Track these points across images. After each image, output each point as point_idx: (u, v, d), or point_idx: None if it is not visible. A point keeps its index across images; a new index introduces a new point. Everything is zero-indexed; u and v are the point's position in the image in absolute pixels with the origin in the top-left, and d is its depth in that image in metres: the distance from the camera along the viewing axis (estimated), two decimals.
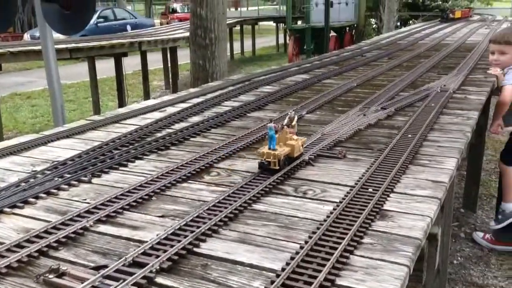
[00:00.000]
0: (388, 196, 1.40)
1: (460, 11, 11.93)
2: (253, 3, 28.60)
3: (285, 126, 1.58)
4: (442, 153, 1.80)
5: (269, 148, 1.53)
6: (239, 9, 29.19)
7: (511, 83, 3.08)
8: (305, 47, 13.58)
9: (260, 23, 23.45)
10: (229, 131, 2.23)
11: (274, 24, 20.79)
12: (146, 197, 1.41)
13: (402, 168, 1.63)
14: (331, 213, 1.28)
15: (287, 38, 17.96)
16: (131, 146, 1.91)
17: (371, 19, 17.33)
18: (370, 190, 1.43)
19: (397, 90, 2.96)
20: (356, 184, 1.48)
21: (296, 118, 1.65)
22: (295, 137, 1.62)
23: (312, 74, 3.83)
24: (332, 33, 15.17)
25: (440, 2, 16.82)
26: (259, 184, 1.47)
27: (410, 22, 16.24)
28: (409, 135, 2.01)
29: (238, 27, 17.98)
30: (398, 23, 16.45)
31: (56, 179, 1.54)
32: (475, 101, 2.65)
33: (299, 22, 18.16)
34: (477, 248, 3.30)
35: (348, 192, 1.43)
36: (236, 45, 17.78)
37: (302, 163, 1.68)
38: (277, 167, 1.53)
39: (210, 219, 1.25)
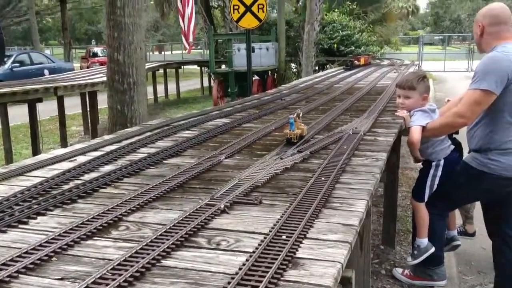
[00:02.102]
0: (301, 242, 1.40)
1: (363, 57, 12.55)
2: (177, 47, 28.92)
3: (296, 118, 2.77)
4: (353, 195, 1.86)
5: (290, 130, 2.74)
6: (163, 53, 29.36)
7: (416, 124, 3.29)
8: (229, 90, 13.86)
9: (185, 66, 23.62)
10: (143, 180, 2.15)
11: (199, 68, 21.10)
12: (46, 257, 1.31)
13: (315, 212, 1.65)
14: (244, 264, 1.25)
15: (212, 81, 18.26)
16: (34, 201, 1.79)
17: (291, 64, 18.21)
18: (284, 237, 1.42)
19: (313, 133, 3.06)
20: (271, 231, 1.47)
21: (301, 113, 2.89)
22: (302, 125, 2.84)
23: (233, 118, 3.90)
24: (256, 77, 15.68)
25: (353, 48, 18.15)
26: (170, 237, 1.42)
27: (327, 66, 17.29)
28: (323, 178, 2.07)
29: (162, 70, 17.99)
30: (316, 68, 17.40)
31: None
32: (384, 142, 2.81)
33: (223, 66, 18.56)
34: (398, 284, 3.40)
35: (262, 241, 1.41)
36: (161, 88, 17.72)
37: (217, 211, 1.67)
38: (296, 141, 2.75)
39: (113, 279, 1.17)
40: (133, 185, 2.07)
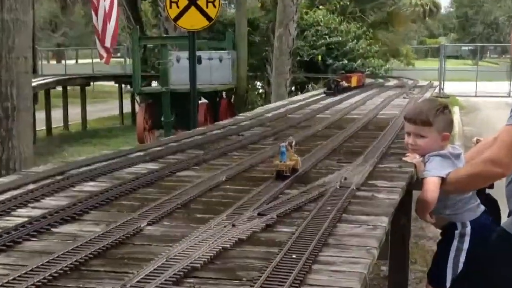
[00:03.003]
0: None
1: (356, 76, 12.74)
2: (86, 55, 28.46)
3: (289, 146, 3.20)
4: (337, 281, 1.87)
5: (281, 161, 3.18)
6: (63, 62, 29.08)
7: (433, 174, 3.37)
8: (162, 119, 13.89)
9: (97, 82, 23.58)
10: (18, 259, 2.09)
11: (117, 85, 21.08)
12: None
13: None
14: None
15: (136, 105, 18.27)
16: None
17: (256, 82, 18.53)
18: None
19: (283, 187, 3.08)
20: None
21: (294, 142, 3.34)
22: (295, 155, 3.31)
23: (165, 162, 3.90)
24: (203, 100, 15.82)
25: (346, 62, 18.74)
26: None
27: (308, 87, 17.73)
28: (294, 256, 2.07)
29: (60, 88, 17.83)
30: (292, 88, 17.81)
31: None
32: (386, 201, 2.87)
33: (154, 84, 18.63)
34: None
35: None
36: (58, 115, 17.50)
37: None
38: (288, 174, 3.20)
39: None
40: (1, 267, 2.00)
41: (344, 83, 11.32)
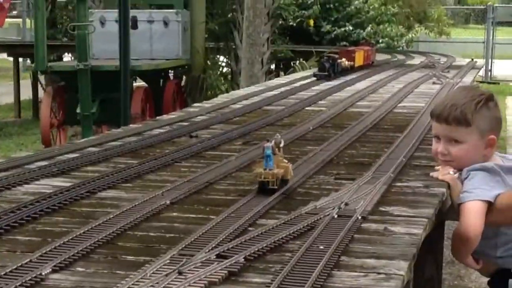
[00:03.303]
0: None
1: (361, 50, 12.73)
2: None
3: (275, 148, 3.26)
4: None
5: (265, 169, 3.23)
6: None
7: (476, 197, 3.38)
8: (78, 111, 13.76)
9: None
10: None
11: (11, 59, 20.91)
12: None
13: None
14: None
15: (41, 89, 18.12)
16: None
17: (218, 57, 18.46)
18: None
19: (254, 214, 3.09)
20: None
21: (282, 142, 3.32)
22: (285, 161, 3.36)
23: (80, 177, 3.88)
24: (140, 83, 15.71)
25: (350, 28, 18.84)
26: None
27: (296, 65, 17.73)
28: None
29: None
30: (272, 67, 17.77)
31: None
32: (405, 238, 2.88)
33: (67, 58, 18.51)
34: None
35: None
36: None
37: None
38: (276, 187, 3.29)
39: None
40: None
41: (344, 61, 11.24)
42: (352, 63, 11.57)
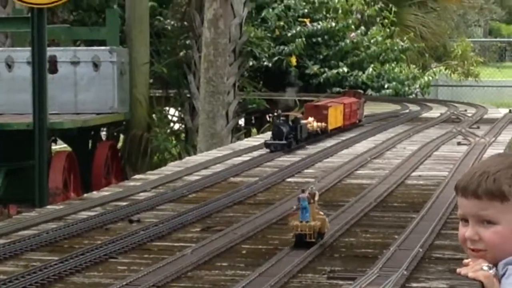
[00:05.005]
0: None
1: (336, 104, 11.85)
2: None
3: (311, 198, 4.26)
4: None
5: (301, 221, 4.28)
6: None
7: None
8: None
9: None
10: None
11: None
12: None
13: None
14: None
15: None
16: None
17: (167, 110, 18.42)
18: None
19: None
20: None
21: (317, 194, 4.31)
22: (321, 212, 4.40)
23: None
24: (61, 146, 15.58)
25: (346, 70, 18.90)
26: None
27: (269, 118, 17.72)
28: None
29: None
30: (241, 122, 17.70)
31: None
32: None
33: None
34: None
35: None
36: None
37: None
38: (313, 240, 4.30)
39: None
40: None
41: (312, 123, 10.94)
42: (323, 124, 11.24)
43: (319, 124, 10.90)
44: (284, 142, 9.70)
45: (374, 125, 12.38)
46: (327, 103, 12.17)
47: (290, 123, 10.14)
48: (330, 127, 11.26)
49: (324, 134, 10.96)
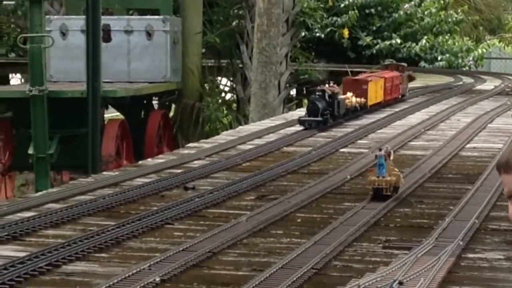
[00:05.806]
0: None
1: (381, 79, 12.06)
2: None
3: (387, 156, 5.38)
4: None
5: (378, 176, 5.29)
6: None
7: None
8: (31, 152, 13.79)
9: None
10: None
11: None
12: None
13: None
14: None
15: None
16: None
17: (219, 80, 18.45)
18: None
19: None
20: None
21: (392, 152, 5.22)
22: (396, 169, 5.37)
23: (33, 244, 3.89)
24: (114, 114, 15.67)
25: (399, 41, 18.82)
26: None
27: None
28: None
29: None
30: (293, 92, 17.68)
31: None
32: None
33: (15, 80, 18.67)
34: None
35: None
36: None
37: None
38: (389, 193, 5.20)
39: None
40: None
41: (350, 98, 10.69)
42: (363, 100, 11.05)
43: (358, 99, 10.74)
44: (319, 119, 9.37)
45: (399, 106, 12.08)
46: (366, 77, 11.98)
47: (327, 98, 9.72)
48: (370, 103, 11.12)
49: (363, 110, 10.89)
